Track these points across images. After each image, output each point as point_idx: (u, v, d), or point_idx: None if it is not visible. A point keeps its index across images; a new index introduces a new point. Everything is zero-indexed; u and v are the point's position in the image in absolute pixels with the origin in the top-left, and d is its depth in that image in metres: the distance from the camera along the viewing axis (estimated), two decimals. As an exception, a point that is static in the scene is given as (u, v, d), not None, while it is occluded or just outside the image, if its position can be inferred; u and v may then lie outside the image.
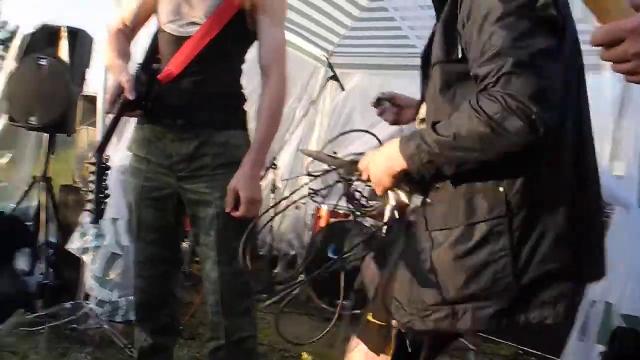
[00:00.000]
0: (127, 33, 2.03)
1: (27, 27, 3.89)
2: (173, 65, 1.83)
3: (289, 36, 4.75)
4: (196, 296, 3.44)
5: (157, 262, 2.02)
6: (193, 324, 3.28)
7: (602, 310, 2.29)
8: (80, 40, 3.66)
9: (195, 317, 3.33)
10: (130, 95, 1.72)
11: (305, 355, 1.50)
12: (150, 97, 1.82)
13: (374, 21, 4.88)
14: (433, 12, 1.45)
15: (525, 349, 3.41)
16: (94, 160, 1.56)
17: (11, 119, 3.65)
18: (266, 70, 1.90)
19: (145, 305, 2.08)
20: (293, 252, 5.04)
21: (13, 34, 3.85)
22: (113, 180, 2.96)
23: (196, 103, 1.86)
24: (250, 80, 2.09)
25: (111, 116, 1.82)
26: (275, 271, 4.59)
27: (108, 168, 1.59)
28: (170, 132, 1.87)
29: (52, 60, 3.51)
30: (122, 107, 1.75)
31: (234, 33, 1.88)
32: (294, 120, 5.11)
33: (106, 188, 1.57)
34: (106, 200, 1.57)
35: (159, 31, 1.94)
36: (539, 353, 3.31)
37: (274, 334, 3.21)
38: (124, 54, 1.96)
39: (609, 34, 0.75)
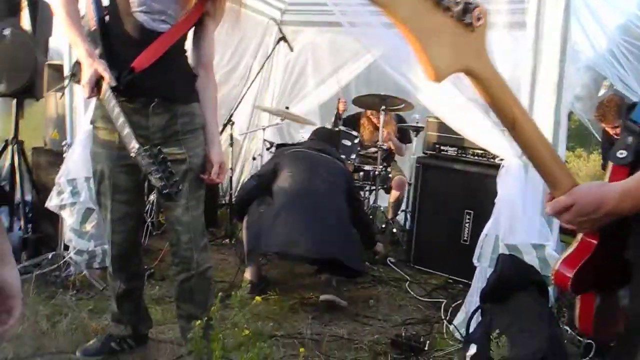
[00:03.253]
0: None
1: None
2: (145, 57, 2.12)
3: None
4: (164, 243, 3.84)
5: (129, 218, 2.38)
6: (162, 267, 3.68)
7: (492, 241, 2.81)
8: (40, 9, 3.86)
9: (164, 261, 3.74)
10: (112, 82, 2.04)
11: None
12: (123, 81, 2.10)
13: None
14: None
15: (452, 277, 3.93)
16: (149, 151, 1.90)
17: (-21, 87, 3.88)
18: (207, 65, 2.37)
19: (121, 256, 2.43)
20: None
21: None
22: (84, 144, 3.31)
23: (166, 84, 2.20)
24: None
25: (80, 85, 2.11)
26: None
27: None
28: (144, 108, 2.17)
29: (15, 29, 3.72)
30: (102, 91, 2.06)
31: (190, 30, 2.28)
32: (249, 76, 5.40)
33: (170, 169, 1.92)
34: (175, 179, 1.93)
35: (123, 12, 2.13)
36: (461, 280, 3.81)
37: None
38: (79, 21, 2.17)
39: (554, 210, 1.18)
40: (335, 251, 3.27)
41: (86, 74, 2.05)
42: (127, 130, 1.99)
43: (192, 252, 2.33)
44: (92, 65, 2.04)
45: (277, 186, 3.55)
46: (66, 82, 2.39)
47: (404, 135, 5.42)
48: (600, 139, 5.24)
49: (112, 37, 2.15)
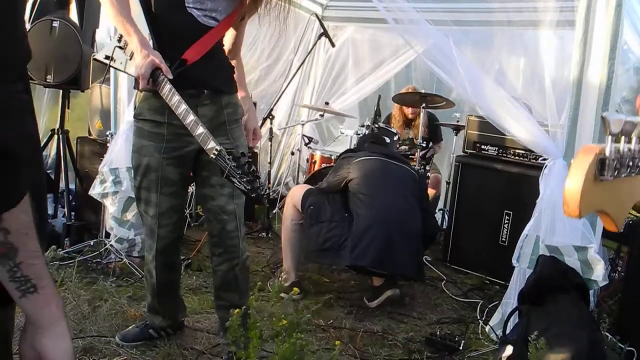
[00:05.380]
0: None
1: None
2: (196, 50, 2.16)
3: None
4: (202, 234, 3.90)
5: (175, 210, 2.40)
6: (199, 257, 3.74)
7: (532, 241, 2.75)
8: (87, 1, 3.95)
9: (200, 251, 3.80)
10: (169, 75, 2.05)
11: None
12: (174, 72, 2.10)
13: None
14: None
15: (489, 277, 3.87)
16: (231, 153, 1.80)
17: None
18: (239, 53, 2.56)
19: (165, 249, 2.43)
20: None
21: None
22: (126, 135, 3.37)
23: (212, 76, 2.25)
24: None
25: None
26: (274, 211, 4.99)
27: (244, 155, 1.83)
28: (193, 100, 2.16)
29: (63, 21, 3.81)
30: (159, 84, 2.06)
31: None
32: (289, 71, 5.42)
33: (254, 171, 1.81)
34: (261, 181, 1.83)
35: (176, 7, 2.15)
36: (498, 281, 3.76)
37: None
38: (128, 8, 2.14)
39: None
40: (412, 269, 3.35)
41: (140, 65, 2.03)
42: (201, 130, 1.92)
43: (238, 240, 2.35)
44: (149, 57, 2.03)
45: (354, 195, 3.50)
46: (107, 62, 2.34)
47: (434, 133, 5.33)
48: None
49: (161, 29, 2.18)
